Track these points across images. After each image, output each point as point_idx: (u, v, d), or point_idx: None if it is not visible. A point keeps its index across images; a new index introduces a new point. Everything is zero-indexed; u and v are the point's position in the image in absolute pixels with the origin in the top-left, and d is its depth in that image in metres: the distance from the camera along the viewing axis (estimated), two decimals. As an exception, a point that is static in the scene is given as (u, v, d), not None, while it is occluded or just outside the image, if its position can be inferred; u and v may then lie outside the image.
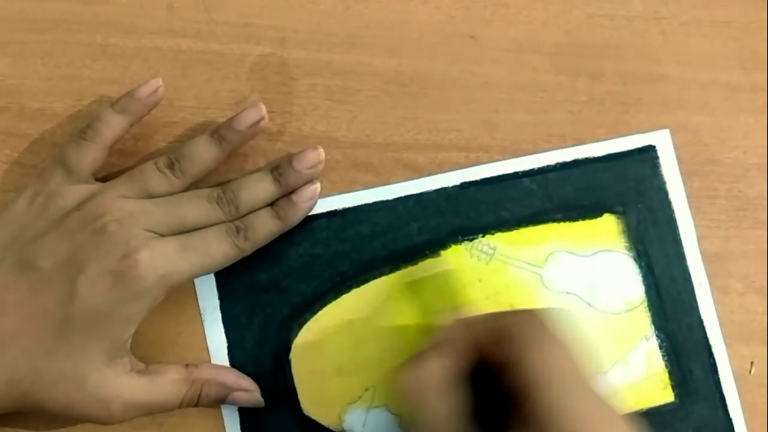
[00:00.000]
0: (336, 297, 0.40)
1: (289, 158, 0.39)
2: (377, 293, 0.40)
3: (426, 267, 0.40)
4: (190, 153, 0.38)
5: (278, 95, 0.41)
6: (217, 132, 0.38)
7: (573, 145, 0.41)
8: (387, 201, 0.41)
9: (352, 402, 0.39)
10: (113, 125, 0.38)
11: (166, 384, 0.36)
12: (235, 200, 0.37)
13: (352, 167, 0.41)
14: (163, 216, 0.36)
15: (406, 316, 0.39)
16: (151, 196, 0.37)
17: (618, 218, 0.41)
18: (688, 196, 0.41)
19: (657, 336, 0.40)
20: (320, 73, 0.42)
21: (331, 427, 0.39)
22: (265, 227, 0.38)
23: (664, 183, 0.41)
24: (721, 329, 0.41)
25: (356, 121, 0.42)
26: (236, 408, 0.39)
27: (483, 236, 0.40)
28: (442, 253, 0.40)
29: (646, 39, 0.43)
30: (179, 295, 0.39)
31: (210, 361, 0.39)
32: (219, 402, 0.38)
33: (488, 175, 0.41)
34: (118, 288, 0.34)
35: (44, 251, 0.35)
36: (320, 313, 0.39)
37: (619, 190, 0.41)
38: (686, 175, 0.42)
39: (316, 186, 0.39)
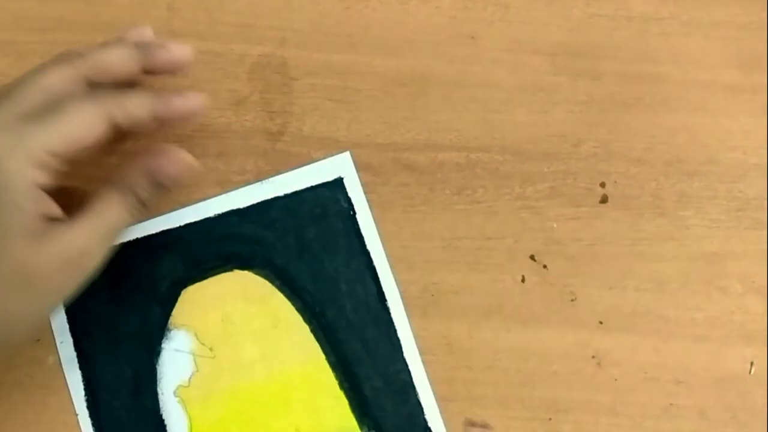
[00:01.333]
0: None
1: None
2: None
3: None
4: None
5: (278, 95, 0.41)
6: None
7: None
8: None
9: None
10: None
11: (105, 210, 0.34)
12: (83, 52, 0.34)
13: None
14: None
15: None
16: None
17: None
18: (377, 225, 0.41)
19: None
20: (320, 73, 0.42)
21: None
22: (136, 97, 0.34)
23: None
24: (721, 329, 0.41)
25: (356, 121, 0.42)
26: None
27: None
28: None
29: (646, 39, 0.43)
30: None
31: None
32: (161, 187, 0.36)
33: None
34: None
35: None
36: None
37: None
38: (686, 175, 0.42)
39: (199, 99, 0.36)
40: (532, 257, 0.41)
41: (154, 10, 0.42)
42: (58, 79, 0.33)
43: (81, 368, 0.39)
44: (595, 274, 0.41)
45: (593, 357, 0.40)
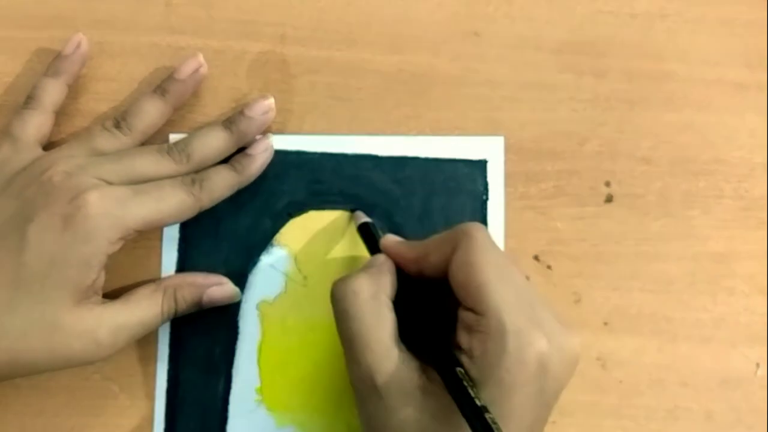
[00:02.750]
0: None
1: (241, 108, 0.39)
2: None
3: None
4: (136, 109, 0.38)
5: (278, 93, 0.41)
6: (159, 86, 0.39)
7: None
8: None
9: None
10: (50, 89, 0.39)
11: (142, 299, 0.36)
12: (186, 149, 0.37)
13: (353, 166, 0.41)
14: (111, 165, 0.36)
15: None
16: (100, 154, 0.37)
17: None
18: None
19: None
20: (321, 70, 0.41)
21: None
22: (222, 179, 0.38)
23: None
24: (727, 330, 0.40)
25: (357, 119, 0.41)
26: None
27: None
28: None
29: (651, 36, 0.43)
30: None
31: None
32: (197, 304, 0.38)
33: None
34: (68, 230, 0.34)
35: None
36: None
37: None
38: (692, 174, 0.41)
39: (270, 139, 0.39)
40: (536, 257, 0.41)
41: (152, 7, 0.42)
42: (165, 173, 0.37)
43: (179, 250, 0.40)
44: (600, 275, 0.41)
45: (598, 358, 0.40)
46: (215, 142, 0.38)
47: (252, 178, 0.39)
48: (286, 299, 0.40)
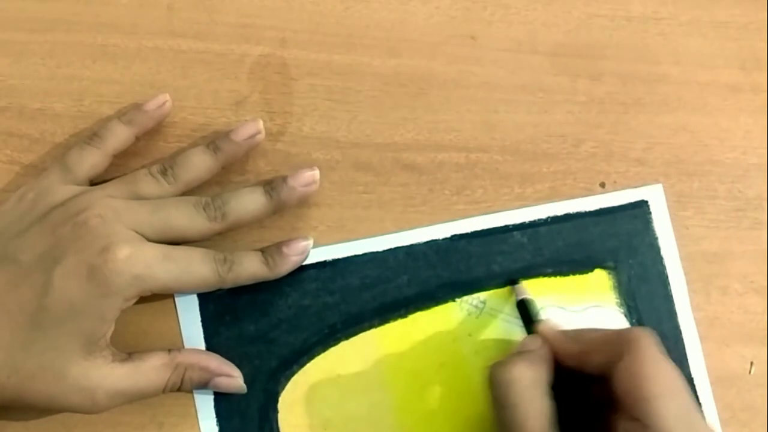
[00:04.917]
0: (324, 349, 0.39)
1: (284, 176, 0.39)
2: (366, 346, 0.39)
3: (416, 320, 0.40)
4: (184, 160, 0.38)
5: (278, 95, 0.41)
6: (213, 143, 0.39)
7: (564, 200, 0.41)
8: (377, 252, 0.40)
9: None
10: (118, 134, 0.39)
11: (150, 370, 0.36)
12: (223, 207, 0.37)
13: (352, 167, 0.41)
14: (146, 215, 0.36)
15: (395, 369, 0.39)
16: (140, 199, 0.37)
17: (609, 273, 0.40)
18: (680, 254, 0.41)
19: None
20: (320, 73, 0.42)
21: None
22: (251, 267, 0.37)
23: (656, 239, 0.41)
24: (721, 329, 0.41)
25: (356, 122, 0.42)
26: None
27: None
28: (433, 306, 0.40)
29: (646, 39, 0.43)
30: (165, 342, 0.38)
31: (197, 414, 0.39)
32: (202, 387, 0.38)
33: (479, 228, 0.40)
34: (92, 282, 0.34)
35: (26, 245, 0.35)
36: (308, 365, 0.39)
37: (611, 245, 0.41)
38: (686, 175, 0.42)
39: (309, 242, 0.39)
40: (531, 257, 0.41)
41: (154, 11, 0.42)
42: (198, 229, 0.37)
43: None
44: (595, 274, 0.41)
45: (593, 357, 0.40)
46: (252, 206, 0.38)
47: (279, 276, 0.38)
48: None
